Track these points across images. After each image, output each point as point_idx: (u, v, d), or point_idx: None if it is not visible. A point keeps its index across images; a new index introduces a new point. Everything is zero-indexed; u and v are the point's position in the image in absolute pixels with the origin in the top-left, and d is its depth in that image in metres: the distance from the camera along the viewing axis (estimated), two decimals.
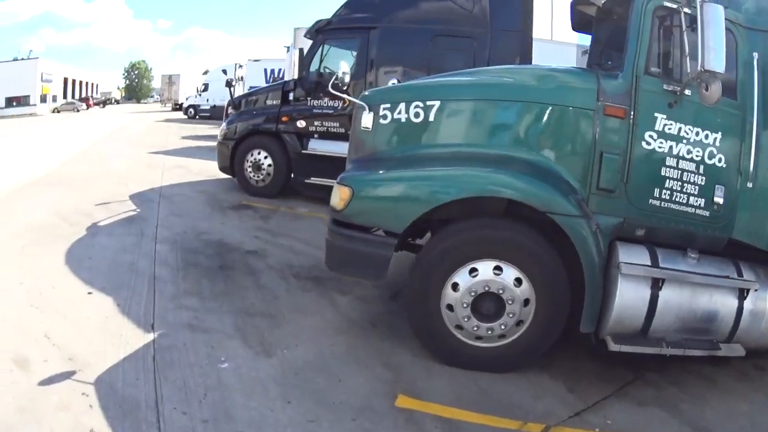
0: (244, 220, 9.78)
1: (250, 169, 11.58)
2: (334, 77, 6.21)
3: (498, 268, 4.52)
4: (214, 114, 42.68)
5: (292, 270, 7.23)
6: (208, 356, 4.85)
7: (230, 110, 12.69)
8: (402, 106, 5.00)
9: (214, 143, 21.15)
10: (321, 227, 7.03)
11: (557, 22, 25.01)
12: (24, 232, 8.32)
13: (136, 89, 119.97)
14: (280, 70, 38.93)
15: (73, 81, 79.93)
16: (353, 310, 6.12)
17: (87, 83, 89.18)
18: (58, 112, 64.36)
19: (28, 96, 63.93)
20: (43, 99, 65.67)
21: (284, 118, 11.25)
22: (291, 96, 11.28)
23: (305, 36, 11.75)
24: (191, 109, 47.58)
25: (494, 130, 4.98)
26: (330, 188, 5.14)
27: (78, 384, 4.24)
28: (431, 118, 4.93)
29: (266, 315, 5.83)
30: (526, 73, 5.60)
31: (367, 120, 5.13)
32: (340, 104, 10.62)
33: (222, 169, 12.26)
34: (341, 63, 6.58)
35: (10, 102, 62.79)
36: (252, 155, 11.53)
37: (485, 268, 4.53)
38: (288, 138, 11.24)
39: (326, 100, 10.78)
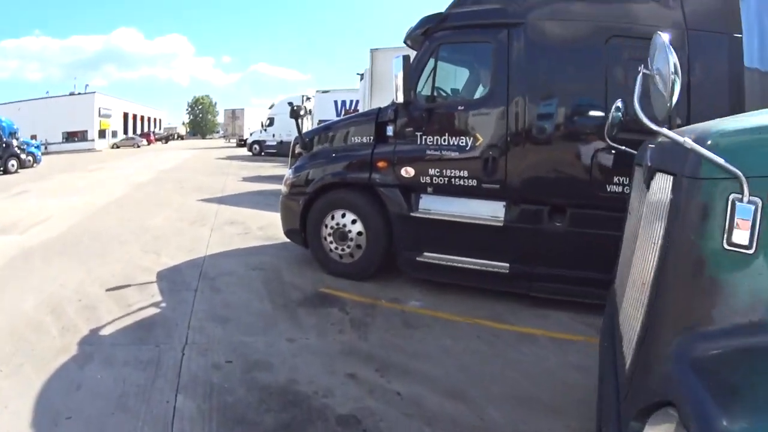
0: (327, 333, 6.13)
1: (330, 238, 7.99)
2: None
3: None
4: (280, 150, 40.56)
5: None
6: None
7: (298, 149, 8.97)
8: None
9: (279, 187, 18.12)
10: (455, 345, 5.90)
11: None
12: None
13: (200, 124, 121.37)
14: (352, 101, 36.47)
15: (134, 116, 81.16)
16: None
17: (149, 118, 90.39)
18: (117, 147, 65.05)
19: (86, 131, 64.59)
20: (102, 134, 66.85)
21: (381, 164, 7.66)
22: (390, 130, 7.69)
23: (405, 42, 8.16)
24: (256, 146, 45.19)
25: None
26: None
27: None
28: None
29: None
30: None
31: None
32: (473, 141, 7.06)
33: (289, 234, 8.76)
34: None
35: (69, 137, 63.46)
36: (333, 218, 7.96)
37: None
38: (388, 193, 7.63)
39: (448, 135, 7.21)
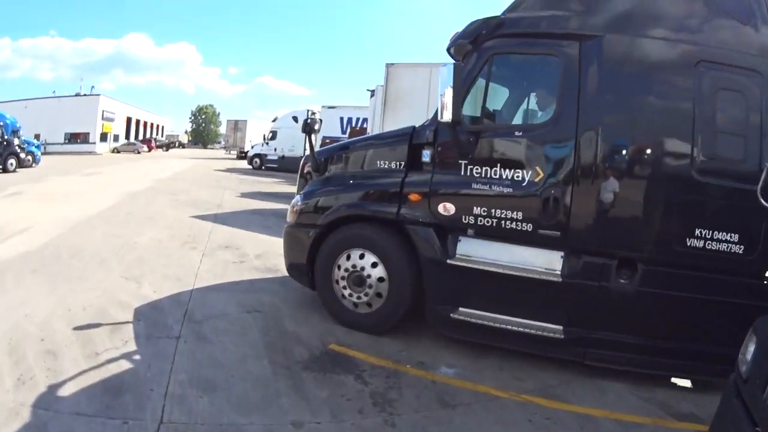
0: (343, 413, 4.69)
1: (343, 282, 6.54)
2: None
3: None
4: (281, 165, 39.53)
5: None
6: None
7: (307, 169, 7.48)
8: None
9: (280, 205, 16.80)
10: None
11: None
12: None
13: (202, 134, 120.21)
14: (359, 119, 35.37)
15: (137, 121, 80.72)
16: None
17: (152, 124, 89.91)
18: (118, 152, 64.34)
19: (88, 133, 64.09)
20: (104, 137, 66.44)
21: (413, 196, 6.24)
22: (427, 155, 6.27)
23: (448, 51, 6.58)
24: (257, 159, 43.75)
25: None
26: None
27: None
28: None
29: None
30: None
31: None
32: (532, 176, 5.76)
33: (292, 271, 7.29)
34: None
35: (71, 138, 63.14)
36: (348, 258, 6.51)
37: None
38: (419, 233, 6.21)
39: (501, 166, 5.87)
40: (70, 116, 62.79)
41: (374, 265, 6.34)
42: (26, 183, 21.60)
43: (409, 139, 6.41)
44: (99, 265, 8.81)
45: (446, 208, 6.03)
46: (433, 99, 20.50)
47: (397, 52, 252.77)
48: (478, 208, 5.92)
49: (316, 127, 7.11)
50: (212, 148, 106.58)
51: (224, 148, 76.07)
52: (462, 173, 5.98)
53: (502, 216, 5.84)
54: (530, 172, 5.73)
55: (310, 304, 7.23)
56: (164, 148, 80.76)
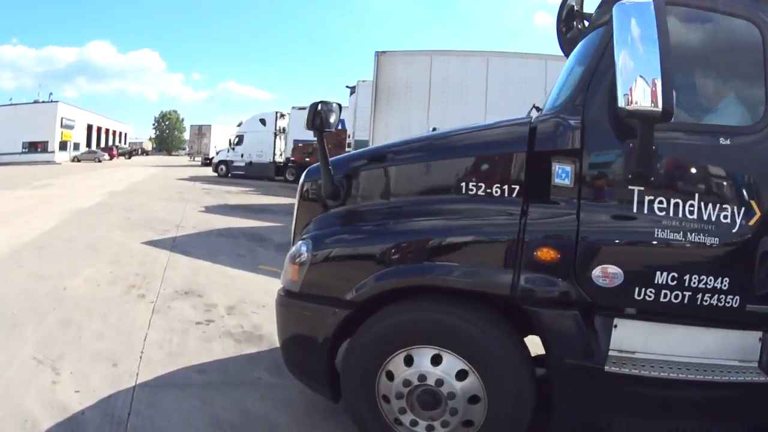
0: None
1: (400, 401, 3.47)
2: None
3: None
4: (249, 173, 36.76)
5: None
6: None
7: (313, 193, 4.21)
8: None
9: (251, 222, 13.70)
10: None
11: None
12: None
13: (166, 140, 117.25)
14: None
15: (98, 128, 78.40)
16: None
17: (114, 131, 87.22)
18: (78, 161, 61.85)
19: (47, 142, 61.58)
20: (63, 146, 64.02)
21: (545, 253, 3.26)
22: (566, 175, 3.31)
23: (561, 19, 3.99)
24: (222, 166, 40.53)
25: None
26: None
27: None
28: None
29: None
30: None
31: None
32: (746, 214, 3.12)
33: (295, 367, 4.08)
34: None
35: (30, 147, 60.76)
36: (410, 362, 3.45)
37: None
38: (555, 320, 3.29)
39: (699, 196, 3.11)
40: (28, 124, 59.89)
41: (461, 375, 3.32)
42: None
43: (529, 143, 3.40)
44: (7, 334, 5.84)
45: (608, 275, 3.10)
46: (437, 90, 18.12)
47: (361, 54, 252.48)
48: (664, 274, 3.09)
49: (332, 119, 4.00)
50: (177, 155, 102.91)
51: (188, 154, 72.80)
52: (635, 209, 3.13)
53: (697, 283, 3.09)
54: (742, 208, 3.09)
55: (331, 413, 4.22)
56: (126, 156, 77.15)
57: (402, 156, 4.06)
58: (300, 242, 3.95)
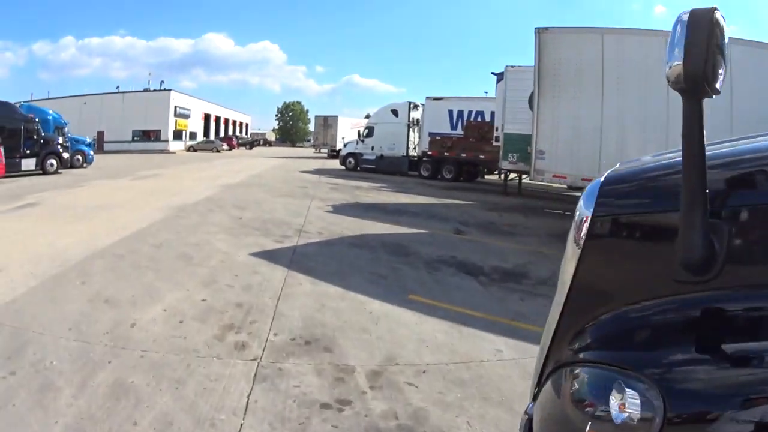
0: None
1: None
2: None
3: None
4: (380, 166, 35.00)
5: None
6: None
7: (618, 232, 1.83)
8: None
9: (393, 229, 11.47)
10: None
11: None
12: None
13: (290, 131, 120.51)
14: (472, 112, 31.63)
15: (216, 118, 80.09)
16: None
17: (234, 122, 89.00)
18: (195, 150, 63.09)
19: (159, 131, 63.07)
20: (178, 135, 65.13)
21: None
22: None
23: None
24: (351, 159, 38.88)
25: None
26: None
27: None
28: None
29: None
30: None
31: None
32: None
33: None
34: None
35: (142, 136, 62.26)
36: None
37: None
38: None
39: None
40: (139, 113, 61.41)
41: None
42: (55, 189, 18.03)
43: None
44: (32, 402, 3.97)
45: None
46: (610, 75, 15.59)
47: (489, 49, 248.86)
48: None
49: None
50: (301, 146, 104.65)
51: (313, 146, 72.61)
52: None
53: None
54: None
55: None
56: (248, 147, 78.82)
57: None
58: (620, 381, 1.57)
